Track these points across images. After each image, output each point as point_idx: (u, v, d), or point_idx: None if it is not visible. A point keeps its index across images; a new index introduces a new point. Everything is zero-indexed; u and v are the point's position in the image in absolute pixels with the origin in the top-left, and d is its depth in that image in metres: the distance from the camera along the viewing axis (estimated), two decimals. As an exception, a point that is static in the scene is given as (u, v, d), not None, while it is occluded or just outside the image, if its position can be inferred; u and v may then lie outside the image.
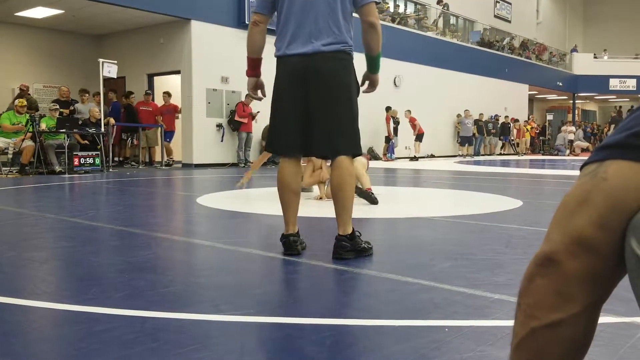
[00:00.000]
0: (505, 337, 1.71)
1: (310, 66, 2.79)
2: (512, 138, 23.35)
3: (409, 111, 16.93)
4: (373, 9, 2.79)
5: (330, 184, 2.95)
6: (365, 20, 2.80)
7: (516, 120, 22.23)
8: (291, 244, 2.92)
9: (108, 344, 1.62)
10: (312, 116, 2.81)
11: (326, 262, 2.74)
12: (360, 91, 3.02)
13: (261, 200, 5.68)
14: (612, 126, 25.98)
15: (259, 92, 3.18)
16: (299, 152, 2.94)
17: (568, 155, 22.15)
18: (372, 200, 5.20)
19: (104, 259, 2.90)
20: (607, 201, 0.73)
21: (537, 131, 25.22)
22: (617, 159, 0.73)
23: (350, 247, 2.84)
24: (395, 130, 16.56)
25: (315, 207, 5.10)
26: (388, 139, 16.62)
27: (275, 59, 3.00)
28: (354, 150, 2.84)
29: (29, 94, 11.36)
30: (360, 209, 5.08)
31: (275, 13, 2.97)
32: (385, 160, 16.16)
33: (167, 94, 12.51)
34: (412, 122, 17.09)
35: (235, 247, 3.15)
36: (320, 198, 5.64)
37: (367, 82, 3.07)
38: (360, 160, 5.37)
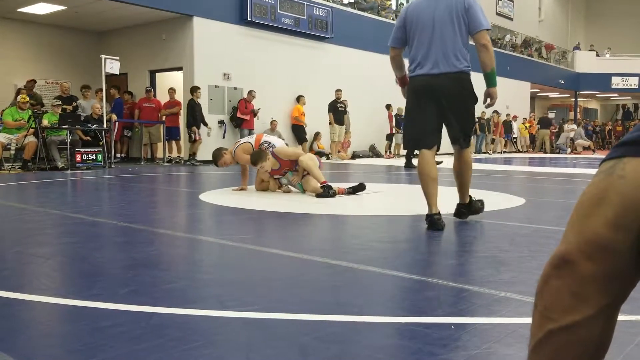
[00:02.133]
0: (512, 335, 1.71)
1: (439, 84, 3.64)
2: (515, 136, 23.30)
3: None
4: (484, 34, 3.65)
5: (454, 167, 3.98)
6: (478, 42, 3.65)
7: (498, 113, 21.08)
8: (435, 222, 3.61)
9: (114, 339, 1.61)
10: (444, 121, 3.77)
11: (332, 259, 2.74)
12: (482, 104, 3.86)
13: (263, 197, 5.67)
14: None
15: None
16: (436, 146, 3.80)
17: (570, 153, 22.10)
18: (329, 195, 5.46)
19: (109, 255, 2.90)
20: (624, 200, 0.71)
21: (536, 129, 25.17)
22: (636, 156, 0.71)
23: (466, 212, 4.03)
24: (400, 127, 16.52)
25: (313, 204, 5.10)
26: (390, 136, 16.61)
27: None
28: (470, 145, 3.99)
29: (35, 91, 11.35)
30: (362, 206, 5.08)
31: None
32: (387, 158, 16.15)
33: (172, 90, 12.46)
34: None
35: (239, 243, 3.15)
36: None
37: (486, 97, 3.84)
38: (312, 157, 5.85)
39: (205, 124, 12.00)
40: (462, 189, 3.98)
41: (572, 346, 0.76)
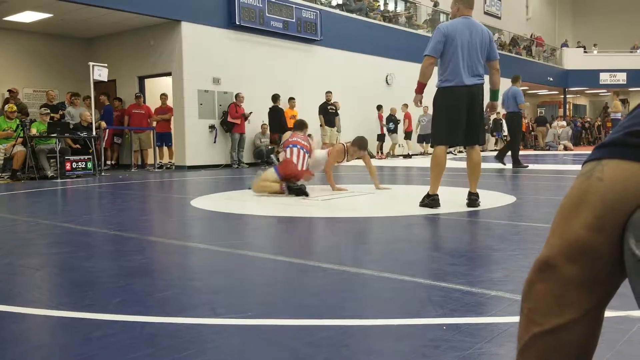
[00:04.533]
0: (503, 334, 1.71)
1: (472, 92, 4.61)
2: (505, 134, 23.38)
3: (406, 105, 16.89)
4: (497, 62, 4.79)
5: (471, 161, 4.77)
6: (494, 67, 4.81)
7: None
8: (437, 201, 4.63)
9: (106, 350, 1.61)
10: (470, 122, 4.63)
11: (323, 263, 2.74)
12: (485, 113, 4.94)
13: (254, 202, 5.67)
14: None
15: (419, 102, 4.91)
16: (460, 144, 4.91)
17: (562, 149, 22.20)
18: (302, 192, 5.82)
19: (99, 264, 2.89)
20: (604, 202, 0.71)
21: (530, 125, 25.29)
22: (614, 158, 0.71)
23: (477, 199, 4.70)
24: (395, 128, 16.53)
25: (303, 207, 5.10)
26: (381, 137, 16.63)
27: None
28: (484, 142, 5.13)
29: (18, 99, 11.28)
30: (353, 208, 5.09)
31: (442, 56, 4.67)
32: (379, 158, 16.17)
33: (165, 96, 12.44)
34: (408, 118, 17.09)
35: (230, 249, 3.15)
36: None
37: (489, 108, 5.07)
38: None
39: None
40: (474, 180, 4.75)
41: (557, 350, 0.76)
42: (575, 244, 0.73)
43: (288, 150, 6.21)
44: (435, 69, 4.76)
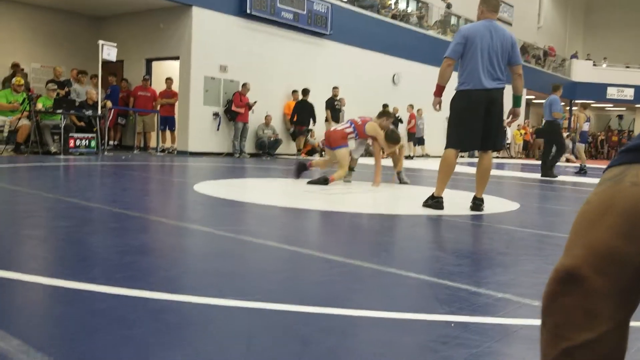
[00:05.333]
0: (512, 335, 1.70)
1: (491, 96, 4.50)
2: (509, 142, 23.38)
3: (411, 106, 16.86)
4: (520, 67, 4.67)
5: (481, 166, 4.70)
6: (516, 72, 4.68)
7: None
8: (441, 204, 4.59)
9: (111, 322, 1.59)
10: (488, 126, 4.51)
11: (328, 254, 2.73)
12: (506, 118, 4.83)
13: (257, 191, 5.65)
14: None
15: (438, 106, 4.76)
16: (475, 149, 4.72)
17: (565, 161, 22.17)
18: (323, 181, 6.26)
19: (104, 240, 2.87)
20: (637, 208, 0.66)
21: (532, 135, 25.25)
22: None
23: (482, 204, 4.66)
24: (396, 128, 16.48)
25: (316, 200, 5.08)
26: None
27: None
28: (502, 148, 4.91)
29: (25, 73, 11.23)
30: (359, 204, 5.07)
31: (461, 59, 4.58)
32: (382, 157, 16.12)
33: (170, 80, 12.40)
34: (413, 118, 17.06)
35: (235, 234, 3.13)
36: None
37: (511, 115, 4.85)
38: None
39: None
40: (482, 184, 4.70)
41: None
42: (604, 254, 0.68)
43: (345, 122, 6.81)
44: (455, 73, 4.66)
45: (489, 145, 4.61)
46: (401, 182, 7.21)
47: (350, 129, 6.63)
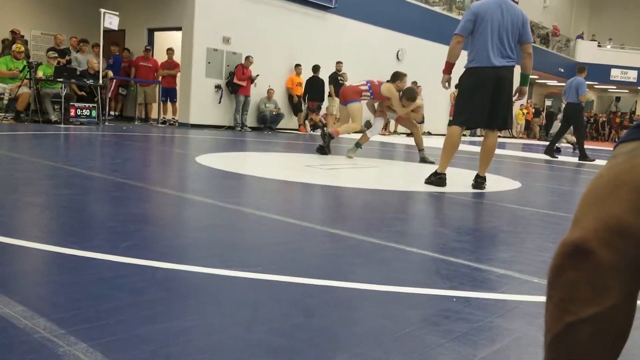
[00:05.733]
0: (514, 311, 1.72)
1: (499, 74, 4.47)
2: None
3: (415, 83, 16.76)
4: (530, 45, 4.65)
5: (485, 145, 4.70)
6: (526, 51, 4.66)
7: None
8: (444, 180, 4.63)
9: (119, 290, 1.60)
10: (495, 105, 4.49)
11: (332, 228, 2.74)
12: (513, 97, 4.71)
13: (259, 164, 5.65)
14: None
15: (447, 83, 4.82)
16: (482, 126, 4.72)
17: (566, 143, 22.12)
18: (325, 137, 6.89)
19: (107, 208, 2.88)
20: None
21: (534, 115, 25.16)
22: None
23: (484, 183, 4.67)
24: None
25: (329, 177, 5.08)
26: (386, 113, 16.51)
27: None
28: (511, 127, 4.02)
29: (25, 40, 11.11)
30: (362, 180, 5.08)
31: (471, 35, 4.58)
32: (382, 135, 16.09)
33: (171, 50, 12.29)
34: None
35: (237, 206, 3.14)
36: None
37: (518, 93, 4.82)
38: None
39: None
40: (485, 163, 4.72)
41: (594, 338, 0.72)
42: (614, 227, 0.68)
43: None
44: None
45: (496, 124, 4.60)
46: (425, 161, 7.01)
47: (366, 87, 6.74)
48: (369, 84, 6.77)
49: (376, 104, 7.03)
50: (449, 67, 4.70)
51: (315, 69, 13.76)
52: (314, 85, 13.79)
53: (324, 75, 13.94)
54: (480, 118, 4.56)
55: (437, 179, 4.64)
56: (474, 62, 4.52)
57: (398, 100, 6.63)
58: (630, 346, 1.46)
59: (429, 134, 18.50)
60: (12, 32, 11.04)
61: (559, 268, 0.73)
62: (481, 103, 4.49)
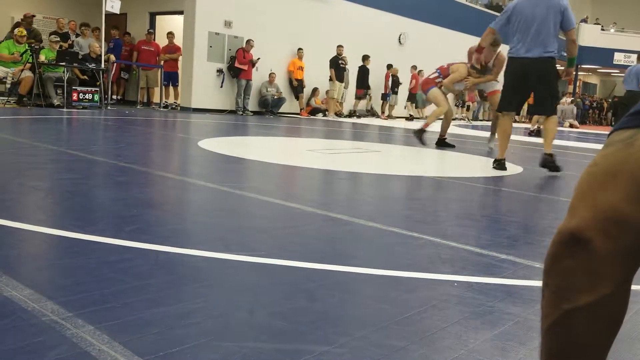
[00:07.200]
0: (514, 295, 1.74)
1: (535, 65, 4.86)
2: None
3: (414, 67, 16.68)
4: (574, 31, 4.98)
5: (545, 129, 5.26)
6: (570, 38, 5.00)
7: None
8: (503, 165, 5.05)
9: (123, 273, 1.63)
10: (538, 94, 4.99)
11: (333, 213, 2.75)
12: (561, 78, 5.62)
13: (261, 149, 5.66)
14: None
15: (476, 62, 6.01)
16: (518, 110, 5.28)
17: (568, 127, 22.06)
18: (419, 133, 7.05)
19: (110, 193, 2.90)
20: None
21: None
22: None
23: (551, 160, 5.03)
24: (394, 89, 16.35)
25: (331, 161, 5.09)
26: (385, 96, 16.46)
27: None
28: (555, 113, 5.15)
29: (34, 27, 11.04)
30: (364, 164, 5.09)
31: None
32: (383, 119, 16.07)
33: (171, 34, 12.24)
34: (415, 79, 16.86)
35: (240, 191, 3.15)
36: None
37: (565, 73, 5.42)
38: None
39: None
40: (549, 141, 5.12)
41: (590, 325, 0.73)
42: (611, 216, 0.68)
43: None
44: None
45: (539, 110, 5.22)
46: (444, 146, 7.18)
47: (436, 74, 7.20)
48: (438, 70, 7.23)
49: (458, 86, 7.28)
50: (479, 50, 5.68)
51: (364, 58, 14.69)
52: (361, 74, 14.83)
53: (325, 59, 13.87)
54: (518, 102, 5.11)
55: (497, 164, 5.08)
56: (511, 53, 5.00)
57: (466, 69, 6.95)
58: (630, 329, 1.48)
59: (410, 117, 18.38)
60: (24, 16, 10.97)
61: (556, 256, 0.74)
62: (517, 90, 5.01)
